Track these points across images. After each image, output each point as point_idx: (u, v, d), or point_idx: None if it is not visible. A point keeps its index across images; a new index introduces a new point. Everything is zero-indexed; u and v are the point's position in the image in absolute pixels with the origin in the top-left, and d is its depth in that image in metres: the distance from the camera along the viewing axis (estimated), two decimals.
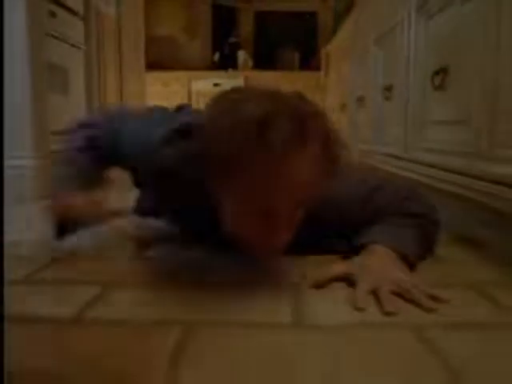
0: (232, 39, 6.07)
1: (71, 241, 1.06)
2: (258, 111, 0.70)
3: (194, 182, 0.81)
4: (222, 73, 5.47)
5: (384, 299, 0.77)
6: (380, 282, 0.81)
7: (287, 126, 0.70)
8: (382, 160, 1.98)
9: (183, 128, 0.85)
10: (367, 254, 0.90)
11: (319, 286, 0.85)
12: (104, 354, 0.60)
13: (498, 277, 0.94)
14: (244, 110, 0.71)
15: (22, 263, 0.99)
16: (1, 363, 0.47)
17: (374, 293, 0.80)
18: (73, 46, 2.63)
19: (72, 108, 2.63)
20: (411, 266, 0.91)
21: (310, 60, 5.80)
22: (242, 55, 5.81)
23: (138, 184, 1.08)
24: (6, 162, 1.91)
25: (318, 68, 4.84)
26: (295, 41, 6.14)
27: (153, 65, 4.99)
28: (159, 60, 5.46)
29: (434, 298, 0.78)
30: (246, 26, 6.31)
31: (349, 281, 0.85)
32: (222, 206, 0.80)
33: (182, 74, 5.29)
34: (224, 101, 0.77)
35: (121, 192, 1.21)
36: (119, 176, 1.09)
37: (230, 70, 5.57)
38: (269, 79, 5.29)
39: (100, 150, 1.04)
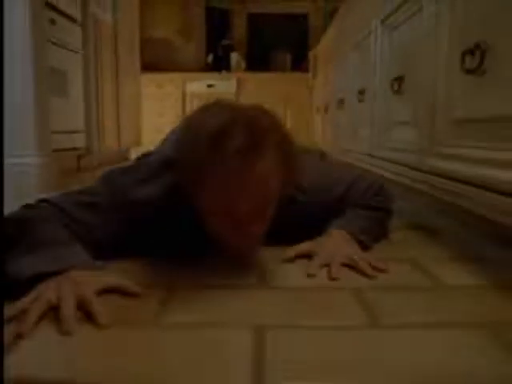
0: (225, 41, 6.20)
1: None
2: (217, 125, 0.81)
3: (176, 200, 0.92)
4: (215, 74, 5.60)
5: (333, 269, 0.94)
6: (333, 257, 0.99)
7: (242, 136, 0.80)
8: (358, 158, 2.16)
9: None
10: (327, 236, 1.08)
11: (287, 260, 1.03)
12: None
13: (437, 254, 1.11)
14: (205, 126, 0.83)
15: None
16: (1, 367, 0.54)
17: (328, 265, 0.97)
18: (71, 51, 2.79)
19: (71, 109, 2.79)
20: (366, 247, 1.09)
21: (301, 62, 5.96)
22: (234, 57, 5.96)
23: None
24: (11, 160, 2.08)
25: (308, 70, 4.99)
26: (287, 43, 6.27)
27: (148, 66, 5.14)
28: (155, 62, 5.60)
29: (376, 268, 0.97)
30: (239, 28, 6.45)
31: (310, 256, 1.02)
32: (201, 210, 0.90)
33: (176, 76, 5.43)
34: (192, 120, 0.89)
35: None
36: None
37: (224, 72, 5.72)
38: (261, 80, 5.44)
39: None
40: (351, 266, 0.98)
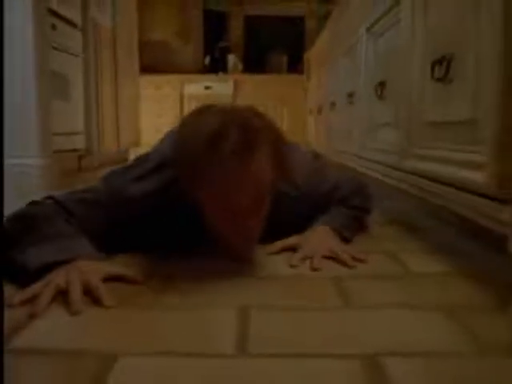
0: (222, 43, 6.28)
1: None
2: (213, 127, 0.88)
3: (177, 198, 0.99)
4: (212, 76, 5.68)
5: (315, 260, 1.04)
6: (316, 250, 1.08)
7: (236, 137, 0.87)
8: (349, 158, 2.25)
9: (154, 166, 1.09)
10: (311, 231, 1.18)
11: (274, 252, 1.13)
12: None
13: (413, 247, 1.21)
14: (202, 128, 0.91)
15: None
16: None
17: (311, 258, 1.07)
18: (72, 55, 2.88)
19: (71, 112, 2.88)
20: (347, 240, 1.20)
21: (297, 64, 6.04)
22: (231, 59, 6.04)
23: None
24: (13, 161, 2.17)
25: (304, 72, 5.08)
26: (284, 45, 6.35)
27: (147, 68, 5.22)
28: (153, 64, 5.68)
29: (355, 259, 1.06)
30: (236, 30, 6.53)
31: (295, 250, 1.12)
32: (199, 207, 0.98)
33: (174, 78, 5.51)
34: (188, 122, 0.98)
35: None
36: None
37: (221, 74, 5.80)
38: (258, 82, 5.53)
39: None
40: (333, 258, 1.07)
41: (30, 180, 2.25)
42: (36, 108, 2.30)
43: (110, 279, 0.89)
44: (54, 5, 2.56)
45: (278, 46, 6.30)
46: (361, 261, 1.06)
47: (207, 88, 5.53)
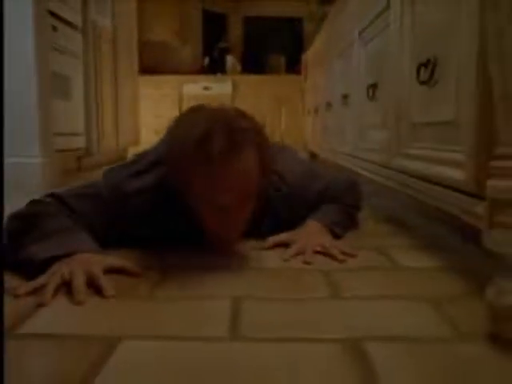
0: (221, 44, 6.34)
1: None
2: (201, 128, 0.95)
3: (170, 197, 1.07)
4: (211, 77, 5.72)
5: (307, 255, 1.09)
6: (307, 245, 1.13)
7: (223, 139, 0.93)
8: (343, 158, 2.31)
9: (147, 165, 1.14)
10: (303, 227, 1.23)
11: (267, 248, 1.18)
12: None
13: (402, 243, 1.26)
14: (192, 128, 0.97)
15: None
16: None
17: (303, 253, 1.12)
18: (72, 56, 2.93)
19: (72, 112, 2.93)
20: (338, 237, 1.25)
21: (295, 64, 6.09)
22: (230, 60, 6.09)
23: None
24: (15, 160, 2.22)
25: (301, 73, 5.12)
26: (282, 46, 6.40)
27: (146, 69, 5.26)
28: (153, 64, 5.73)
29: (345, 254, 1.11)
30: (234, 32, 6.58)
31: (288, 245, 1.17)
32: (189, 204, 1.04)
33: (173, 78, 5.54)
34: (179, 122, 1.04)
35: None
36: None
37: (219, 74, 5.85)
38: (256, 83, 5.57)
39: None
40: (324, 254, 1.12)
41: (31, 179, 2.30)
42: (37, 108, 2.35)
43: (110, 271, 0.94)
44: (54, 7, 2.60)
45: (276, 47, 6.35)
46: (351, 256, 1.11)
47: (206, 88, 5.56)
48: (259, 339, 0.69)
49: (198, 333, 0.71)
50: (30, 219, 1.03)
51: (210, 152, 0.93)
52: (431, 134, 1.11)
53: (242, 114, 1.03)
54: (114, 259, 0.99)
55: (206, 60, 6.24)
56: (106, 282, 0.87)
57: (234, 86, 5.58)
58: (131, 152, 3.88)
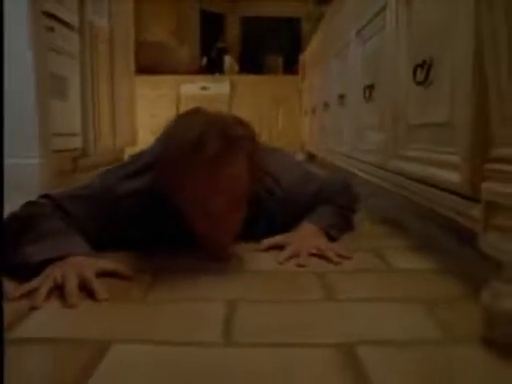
0: (219, 44, 6.33)
1: None
2: (194, 133, 0.95)
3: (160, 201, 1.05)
4: (209, 77, 5.71)
5: (301, 258, 1.08)
6: (302, 248, 1.13)
7: (216, 143, 0.93)
8: (340, 159, 2.30)
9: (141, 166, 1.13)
10: (298, 229, 1.23)
11: (261, 250, 1.18)
12: None
13: (398, 245, 1.26)
14: (186, 132, 0.97)
15: None
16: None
17: (297, 255, 1.11)
18: (69, 56, 2.92)
19: (69, 113, 2.92)
20: (333, 239, 1.24)
21: (293, 65, 6.08)
22: (227, 60, 6.08)
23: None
24: (12, 161, 2.21)
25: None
26: (280, 46, 6.39)
27: (144, 69, 5.25)
28: (150, 64, 5.71)
29: (341, 256, 1.10)
30: (232, 32, 6.57)
31: (283, 247, 1.16)
32: (184, 211, 1.03)
33: (170, 78, 5.53)
34: (174, 125, 1.03)
35: None
36: None
37: (217, 75, 5.84)
38: (254, 83, 5.56)
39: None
40: (319, 256, 1.11)
41: (29, 180, 2.29)
42: (35, 108, 2.34)
43: (103, 274, 0.94)
44: (50, 7, 2.59)
45: (274, 47, 6.34)
46: (346, 258, 1.11)
47: (203, 88, 5.55)
48: (253, 344, 0.68)
49: (190, 337, 0.71)
50: (25, 221, 1.03)
51: (203, 155, 0.93)
52: (427, 136, 1.10)
53: (239, 121, 1.03)
54: (106, 262, 0.98)
55: (204, 60, 6.23)
56: (98, 286, 0.87)
57: (232, 86, 5.57)
58: (128, 152, 3.87)
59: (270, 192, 1.21)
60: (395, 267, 1.07)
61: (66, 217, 1.08)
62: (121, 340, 0.69)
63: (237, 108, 5.43)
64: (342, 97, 2.18)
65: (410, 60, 1.20)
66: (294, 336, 0.71)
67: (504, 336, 0.64)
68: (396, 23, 1.30)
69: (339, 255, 1.11)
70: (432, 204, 1.07)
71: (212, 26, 6.42)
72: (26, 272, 0.91)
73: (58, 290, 0.86)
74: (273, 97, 5.48)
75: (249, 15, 6.54)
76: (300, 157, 4.34)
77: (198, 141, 0.94)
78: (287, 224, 1.24)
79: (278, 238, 1.20)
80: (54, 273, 0.89)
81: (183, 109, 5.19)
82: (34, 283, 0.87)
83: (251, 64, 6.20)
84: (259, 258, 1.12)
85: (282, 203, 1.22)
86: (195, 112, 1.06)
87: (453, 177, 0.90)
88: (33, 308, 0.80)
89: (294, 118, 5.14)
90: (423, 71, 1.06)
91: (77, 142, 3.06)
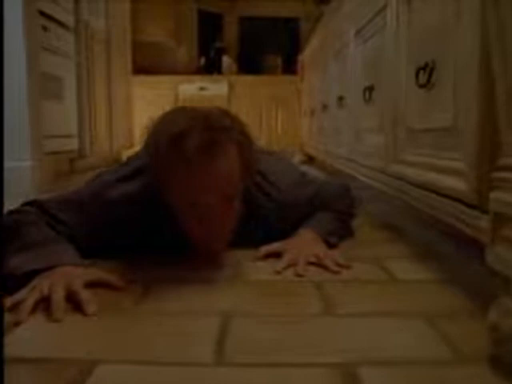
0: (217, 44, 6.29)
1: None
2: (176, 128, 0.91)
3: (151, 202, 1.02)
4: (207, 77, 5.68)
5: (300, 267, 1.04)
6: (300, 255, 1.09)
7: (199, 135, 0.89)
8: (339, 161, 2.26)
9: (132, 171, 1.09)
10: (296, 236, 1.19)
11: (258, 258, 1.13)
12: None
13: (398, 252, 1.22)
14: (166, 130, 0.93)
15: None
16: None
17: (295, 264, 1.07)
18: (64, 57, 2.88)
19: (64, 114, 2.88)
20: (332, 246, 1.20)
21: (292, 65, 6.04)
22: (226, 60, 6.04)
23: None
24: (5, 164, 2.17)
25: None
26: (278, 46, 6.36)
27: (141, 70, 5.21)
28: (148, 65, 5.68)
29: (340, 265, 1.06)
30: (230, 31, 6.54)
31: (279, 255, 1.12)
32: (172, 207, 0.99)
33: (168, 79, 5.50)
34: (157, 124, 0.98)
35: None
36: None
37: (215, 75, 5.80)
38: (252, 83, 5.53)
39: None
40: (318, 264, 1.07)
41: (20, 182, 2.25)
42: (27, 110, 2.30)
43: (92, 284, 0.90)
44: (45, 6, 2.56)
45: (272, 47, 6.30)
46: (345, 267, 1.07)
47: (202, 89, 5.52)
48: (246, 364, 0.64)
49: (180, 356, 0.67)
50: (9, 230, 0.99)
51: (185, 150, 0.89)
52: (429, 140, 1.06)
53: (225, 113, 0.99)
54: (96, 272, 0.94)
55: (202, 60, 6.20)
56: (86, 298, 0.83)
57: (230, 87, 5.54)
58: (125, 153, 3.83)
59: (267, 195, 1.17)
60: (396, 278, 1.03)
61: (55, 224, 1.04)
62: (107, 360, 0.65)
63: (235, 108, 5.40)
64: (341, 98, 2.14)
65: (410, 61, 1.16)
66: (290, 355, 0.67)
67: None
68: (397, 22, 1.26)
69: (338, 264, 1.07)
70: (433, 210, 1.03)
71: (210, 25, 6.39)
72: (12, 284, 0.87)
73: (45, 303, 0.82)
74: (271, 97, 5.44)
75: (247, 15, 6.50)
76: (299, 158, 4.30)
77: (179, 135, 0.90)
78: (285, 230, 1.20)
79: (275, 245, 1.16)
80: (40, 284, 0.85)
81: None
82: (18, 296, 0.83)
83: (250, 64, 6.17)
84: (256, 267, 1.08)
85: (280, 207, 1.18)
86: (181, 109, 1.02)
87: (458, 184, 0.86)
88: (17, 324, 0.76)
89: (293, 118, 5.10)
90: (425, 73, 1.02)
91: (72, 144, 3.02)
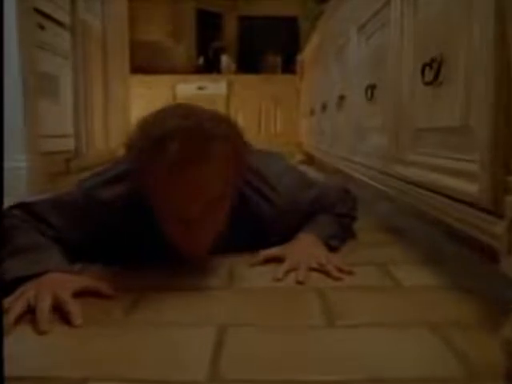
0: (216, 43, 6.25)
1: None
2: (158, 132, 0.85)
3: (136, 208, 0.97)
4: (205, 76, 5.64)
5: (301, 273, 0.99)
6: (301, 261, 1.04)
7: (183, 141, 0.83)
8: (339, 161, 2.22)
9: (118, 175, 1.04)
10: (296, 240, 1.14)
11: (257, 264, 1.08)
12: None
13: (402, 257, 1.17)
14: (151, 132, 0.86)
15: None
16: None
17: (296, 269, 1.02)
18: (61, 55, 2.83)
19: (61, 113, 2.84)
20: (334, 249, 1.16)
21: (291, 64, 6.00)
22: (225, 59, 6.00)
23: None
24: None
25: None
26: (278, 45, 6.32)
27: (139, 69, 5.17)
28: (146, 64, 5.63)
29: (341, 271, 1.02)
30: (229, 30, 6.49)
31: (279, 260, 1.07)
32: (158, 215, 0.93)
33: (166, 78, 5.46)
34: (144, 124, 0.91)
35: None
36: None
37: (214, 74, 5.76)
38: (251, 82, 5.49)
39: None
40: (319, 270, 1.02)
41: (15, 184, 2.21)
42: (22, 109, 2.25)
43: (82, 292, 0.85)
44: (40, 4, 2.51)
45: (272, 46, 6.27)
46: (348, 273, 1.02)
47: (200, 88, 5.48)
48: (242, 381, 0.60)
49: (171, 374, 0.62)
50: None
51: (166, 157, 0.82)
52: (436, 140, 1.02)
53: (219, 118, 0.94)
54: (85, 279, 0.90)
55: (201, 60, 6.15)
56: (74, 308, 0.78)
57: (229, 86, 5.50)
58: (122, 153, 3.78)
59: (267, 200, 1.12)
60: (401, 284, 0.98)
61: (45, 228, 0.99)
62: (93, 378, 0.60)
63: (234, 108, 5.35)
64: (341, 98, 2.09)
65: (416, 58, 1.11)
66: (288, 372, 0.62)
67: None
68: (401, 15, 1.21)
69: (340, 270, 1.02)
70: (439, 213, 0.98)
71: (209, 24, 6.35)
72: (1, 289, 0.82)
73: (31, 313, 0.77)
74: (271, 96, 5.40)
75: (246, 14, 6.47)
76: (298, 158, 4.26)
77: (162, 138, 0.83)
78: (285, 234, 1.15)
79: (274, 250, 1.12)
80: (26, 293, 0.80)
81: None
82: (4, 304, 0.78)
83: (249, 63, 6.13)
84: (255, 273, 1.03)
85: (280, 211, 1.13)
86: (173, 107, 0.96)
87: (469, 188, 0.81)
88: None
89: (293, 118, 5.05)
90: (432, 70, 0.97)
91: (69, 144, 2.98)
